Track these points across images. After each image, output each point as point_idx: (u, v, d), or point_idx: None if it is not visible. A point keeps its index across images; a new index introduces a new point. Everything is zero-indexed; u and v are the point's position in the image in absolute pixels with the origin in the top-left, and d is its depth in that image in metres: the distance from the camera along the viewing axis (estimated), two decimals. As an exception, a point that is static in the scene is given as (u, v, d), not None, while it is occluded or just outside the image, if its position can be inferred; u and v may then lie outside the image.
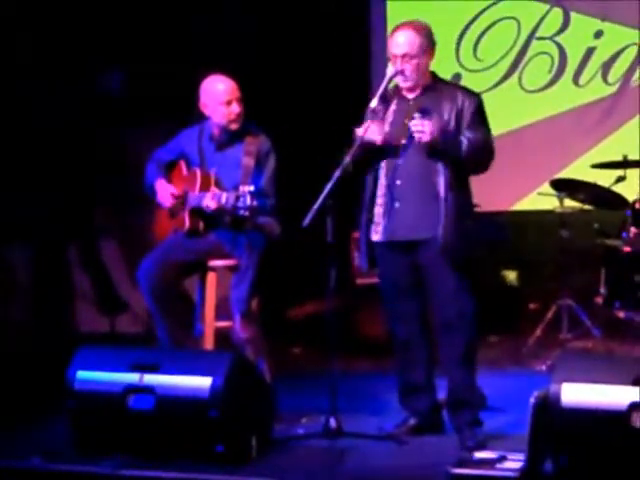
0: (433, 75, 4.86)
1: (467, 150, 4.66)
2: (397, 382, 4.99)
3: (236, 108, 5.44)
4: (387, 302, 4.95)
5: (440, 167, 4.70)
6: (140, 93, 7.78)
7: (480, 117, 4.78)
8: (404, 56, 4.73)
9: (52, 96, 7.54)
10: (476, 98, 4.82)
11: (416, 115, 4.67)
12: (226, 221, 5.37)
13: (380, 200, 4.82)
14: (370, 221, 4.84)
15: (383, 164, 4.81)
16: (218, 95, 5.44)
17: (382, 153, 4.79)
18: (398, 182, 4.78)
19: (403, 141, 4.74)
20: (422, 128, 4.60)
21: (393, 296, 4.90)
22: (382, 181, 4.82)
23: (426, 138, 4.61)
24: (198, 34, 7.70)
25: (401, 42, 4.76)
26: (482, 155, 4.73)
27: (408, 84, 4.79)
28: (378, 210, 4.83)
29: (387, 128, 4.77)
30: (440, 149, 4.65)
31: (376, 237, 4.84)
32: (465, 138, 4.67)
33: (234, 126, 5.46)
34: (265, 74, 7.65)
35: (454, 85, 5.01)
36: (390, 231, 4.80)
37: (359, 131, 4.72)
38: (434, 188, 4.70)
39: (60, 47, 7.52)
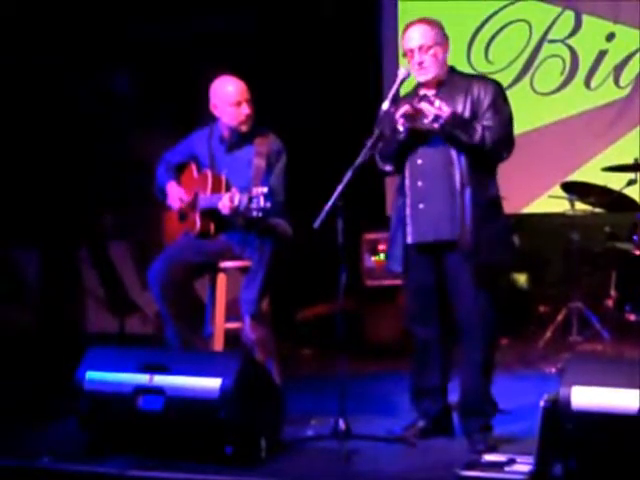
0: (451, 69, 4.82)
1: (481, 137, 4.60)
2: (410, 382, 4.97)
3: (246, 109, 5.44)
4: (410, 303, 4.91)
5: (455, 159, 4.67)
6: (150, 94, 7.80)
7: (497, 104, 4.69)
8: (420, 48, 4.71)
9: (60, 97, 7.56)
10: (493, 86, 4.75)
11: (431, 97, 4.64)
12: (238, 223, 5.37)
13: (407, 202, 4.80)
14: (404, 224, 4.82)
15: (407, 165, 4.80)
16: (228, 96, 5.44)
17: (405, 152, 4.78)
18: (419, 183, 4.75)
19: (426, 120, 4.66)
20: (436, 111, 4.55)
21: (417, 297, 4.86)
22: (407, 182, 4.80)
23: (441, 119, 4.54)
24: (201, 34, 7.73)
25: (416, 35, 4.74)
26: (497, 142, 4.64)
27: (428, 76, 4.73)
28: (407, 212, 4.80)
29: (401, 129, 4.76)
30: (452, 133, 4.60)
31: (407, 239, 4.81)
32: (479, 125, 4.62)
33: (244, 127, 5.46)
34: (275, 74, 7.67)
35: (469, 76, 4.91)
36: (418, 233, 4.76)
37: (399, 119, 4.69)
38: (452, 183, 4.67)
39: (65, 48, 7.55)
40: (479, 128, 4.62)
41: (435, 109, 4.57)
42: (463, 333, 4.76)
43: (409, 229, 4.80)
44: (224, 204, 5.24)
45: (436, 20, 4.83)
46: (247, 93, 5.46)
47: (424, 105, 4.60)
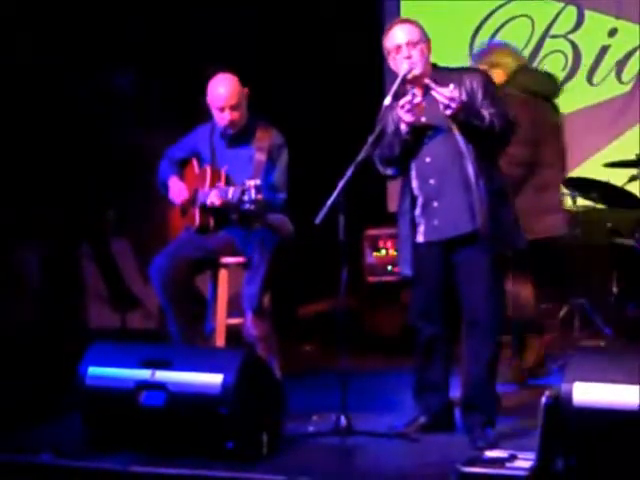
0: (434, 66, 4.82)
1: (490, 121, 4.60)
2: (413, 378, 4.96)
3: (227, 116, 5.45)
4: (416, 300, 4.90)
5: (464, 150, 4.65)
6: (152, 92, 7.80)
7: (491, 91, 4.72)
8: (408, 44, 4.71)
9: (60, 97, 7.57)
10: (480, 75, 4.80)
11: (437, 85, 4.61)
12: (234, 217, 5.37)
13: (418, 202, 4.77)
14: (413, 225, 4.80)
15: (413, 166, 4.78)
16: (214, 100, 5.48)
17: (410, 152, 4.76)
18: (431, 181, 4.72)
19: (423, 118, 4.67)
20: (450, 94, 4.52)
21: (423, 294, 4.84)
22: (415, 183, 4.77)
23: (454, 104, 4.52)
24: (202, 32, 7.72)
25: (401, 33, 4.75)
26: (504, 127, 4.65)
27: (417, 71, 4.71)
28: (417, 212, 4.78)
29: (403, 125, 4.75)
30: (464, 119, 4.58)
31: (419, 238, 4.79)
32: (485, 111, 4.63)
33: (229, 131, 5.49)
34: (276, 74, 7.67)
35: (455, 69, 4.90)
36: (433, 231, 4.74)
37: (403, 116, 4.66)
38: (465, 177, 4.66)
39: (65, 47, 7.55)
40: (486, 113, 4.62)
41: (449, 92, 4.55)
42: (473, 328, 4.74)
43: (421, 228, 4.77)
44: (211, 200, 5.27)
45: (417, 21, 4.85)
46: (234, 98, 5.44)
47: (440, 89, 4.57)
